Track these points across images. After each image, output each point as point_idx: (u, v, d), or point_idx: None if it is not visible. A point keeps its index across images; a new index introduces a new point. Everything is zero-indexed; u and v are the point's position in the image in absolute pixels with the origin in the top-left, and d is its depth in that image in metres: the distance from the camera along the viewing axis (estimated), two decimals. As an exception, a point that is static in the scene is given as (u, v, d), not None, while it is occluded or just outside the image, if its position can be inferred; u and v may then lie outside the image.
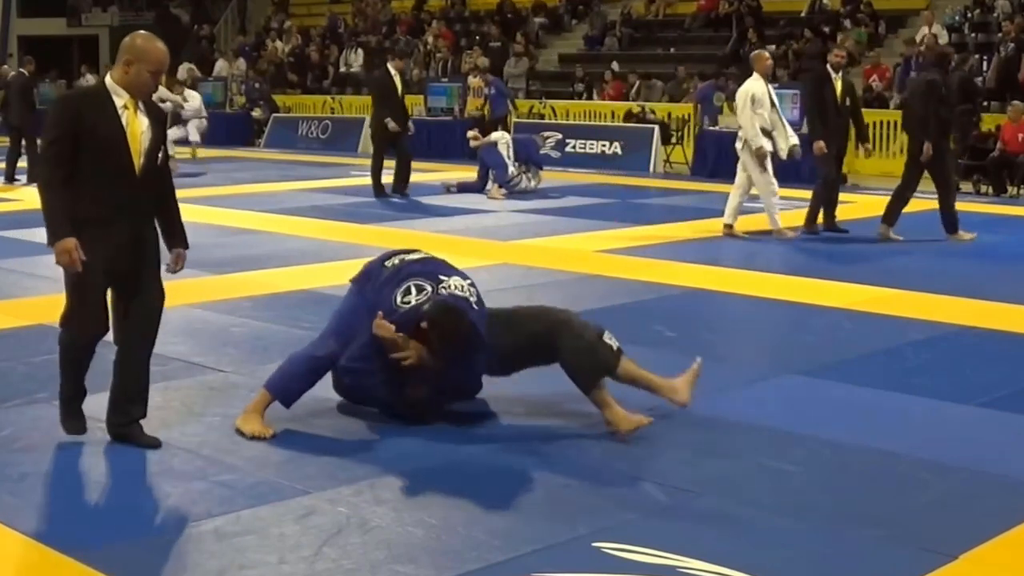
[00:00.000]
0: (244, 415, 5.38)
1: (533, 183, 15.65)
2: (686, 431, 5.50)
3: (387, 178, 15.34)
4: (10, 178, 16.90)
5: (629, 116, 20.32)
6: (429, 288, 5.35)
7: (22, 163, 17.37)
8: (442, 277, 5.44)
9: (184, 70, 26.05)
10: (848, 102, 12.05)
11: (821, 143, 11.63)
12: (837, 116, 11.85)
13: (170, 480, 4.80)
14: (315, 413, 5.58)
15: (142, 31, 5.20)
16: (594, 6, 26.46)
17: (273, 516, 4.42)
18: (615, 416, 5.36)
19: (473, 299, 5.39)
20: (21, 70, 18.38)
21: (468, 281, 5.48)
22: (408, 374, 5.33)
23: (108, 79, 5.04)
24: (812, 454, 5.18)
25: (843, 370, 6.56)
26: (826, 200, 11.98)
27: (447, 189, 15.74)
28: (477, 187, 15.54)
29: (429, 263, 5.61)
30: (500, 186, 15.18)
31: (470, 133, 16.85)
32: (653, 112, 20.11)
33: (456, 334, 5.25)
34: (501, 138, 15.79)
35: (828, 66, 12.06)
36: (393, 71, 15.30)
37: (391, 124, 14.99)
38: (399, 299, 5.33)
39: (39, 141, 4.96)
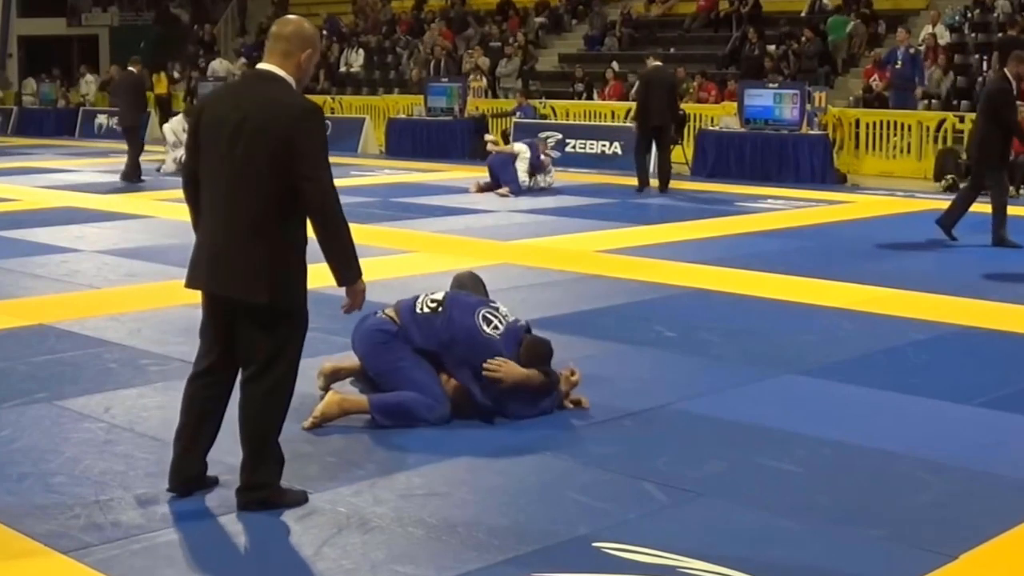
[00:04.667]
0: (346, 402, 5.52)
1: (547, 181, 15.83)
2: (686, 431, 5.50)
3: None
4: (135, 177, 16.88)
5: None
6: (500, 316, 5.72)
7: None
8: (492, 303, 5.86)
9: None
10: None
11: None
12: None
13: (170, 480, 4.80)
14: (315, 413, 5.59)
15: (292, 16, 4.59)
16: (594, 6, 26.46)
17: (273, 516, 4.42)
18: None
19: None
20: (130, 68, 18.34)
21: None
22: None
23: (282, 72, 4.29)
24: (812, 454, 5.18)
25: (843, 370, 6.56)
26: (966, 204, 11.35)
27: (476, 188, 15.68)
28: (491, 186, 15.65)
29: (470, 295, 5.96)
30: (512, 191, 15.31)
31: (488, 137, 16.99)
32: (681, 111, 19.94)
33: (547, 356, 5.68)
34: (522, 152, 15.71)
35: (1010, 74, 11.09)
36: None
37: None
38: (487, 329, 5.60)
39: (320, 166, 4.22)
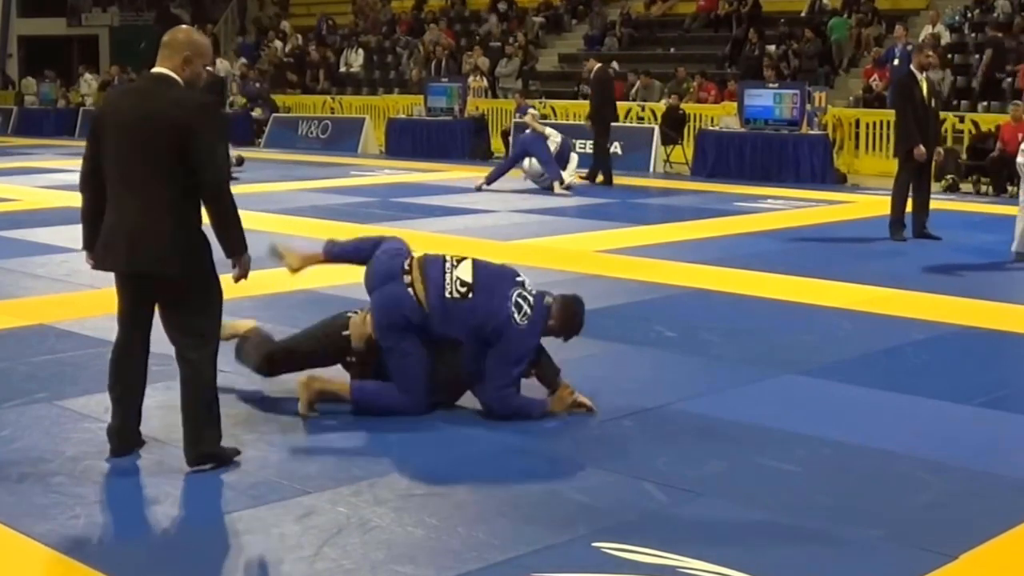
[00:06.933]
0: (319, 382, 5.63)
1: (566, 181, 15.86)
2: (686, 431, 5.50)
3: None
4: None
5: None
6: (529, 295, 5.68)
7: None
8: (519, 279, 5.79)
9: None
10: (933, 103, 11.63)
11: (921, 148, 11.13)
12: (926, 119, 11.35)
13: (170, 480, 4.80)
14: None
15: (184, 26, 5.09)
16: (594, 6, 26.46)
17: (273, 516, 4.42)
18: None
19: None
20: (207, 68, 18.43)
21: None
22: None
23: (173, 74, 4.84)
24: (812, 454, 5.18)
25: (843, 370, 6.56)
26: (918, 205, 11.52)
27: (479, 189, 15.68)
28: (504, 168, 15.83)
29: (499, 270, 5.87)
30: (559, 182, 15.39)
31: (531, 111, 17.05)
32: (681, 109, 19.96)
33: (581, 314, 5.89)
34: (553, 135, 15.83)
35: (913, 67, 11.49)
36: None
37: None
38: (517, 317, 5.58)
39: (216, 154, 4.92)
